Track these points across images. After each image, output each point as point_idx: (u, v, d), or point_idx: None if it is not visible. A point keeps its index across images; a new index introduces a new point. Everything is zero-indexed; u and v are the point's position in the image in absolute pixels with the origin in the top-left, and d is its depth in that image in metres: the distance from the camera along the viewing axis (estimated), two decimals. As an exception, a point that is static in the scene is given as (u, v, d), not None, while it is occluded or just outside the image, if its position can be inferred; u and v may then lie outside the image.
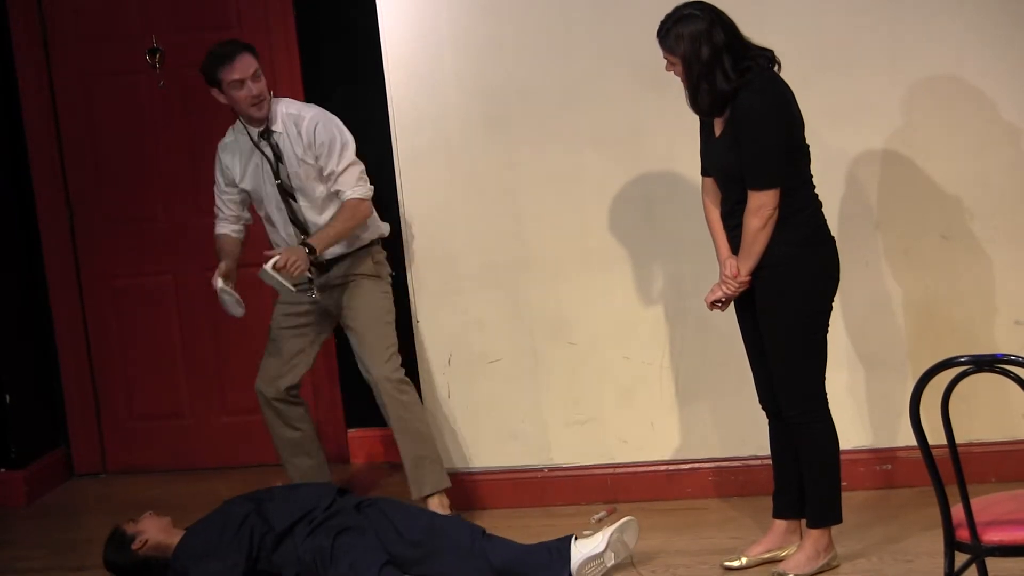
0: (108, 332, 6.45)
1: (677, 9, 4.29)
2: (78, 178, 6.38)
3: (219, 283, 5.03)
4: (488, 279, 5.35)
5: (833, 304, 4.40)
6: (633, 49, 5.07)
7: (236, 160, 5.13)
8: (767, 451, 4.59)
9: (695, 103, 4.30)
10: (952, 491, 3.31)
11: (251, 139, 5.08)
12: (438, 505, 5.10)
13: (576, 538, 4.60)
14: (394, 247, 5.39)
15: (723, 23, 4.23)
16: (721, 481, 5.29)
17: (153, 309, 6.41)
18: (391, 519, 4.73)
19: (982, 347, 4.93)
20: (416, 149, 5.32)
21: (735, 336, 4.56)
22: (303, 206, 5.08)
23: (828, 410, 4.40)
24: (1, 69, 6.24)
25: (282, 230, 5.12)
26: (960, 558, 3.37)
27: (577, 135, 5.23)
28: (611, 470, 5.36)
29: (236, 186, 5.15)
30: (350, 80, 5.95)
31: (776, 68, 4.29)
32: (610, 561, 4.58)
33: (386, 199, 5.31)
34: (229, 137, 5.18)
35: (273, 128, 5.05)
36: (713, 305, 4.43)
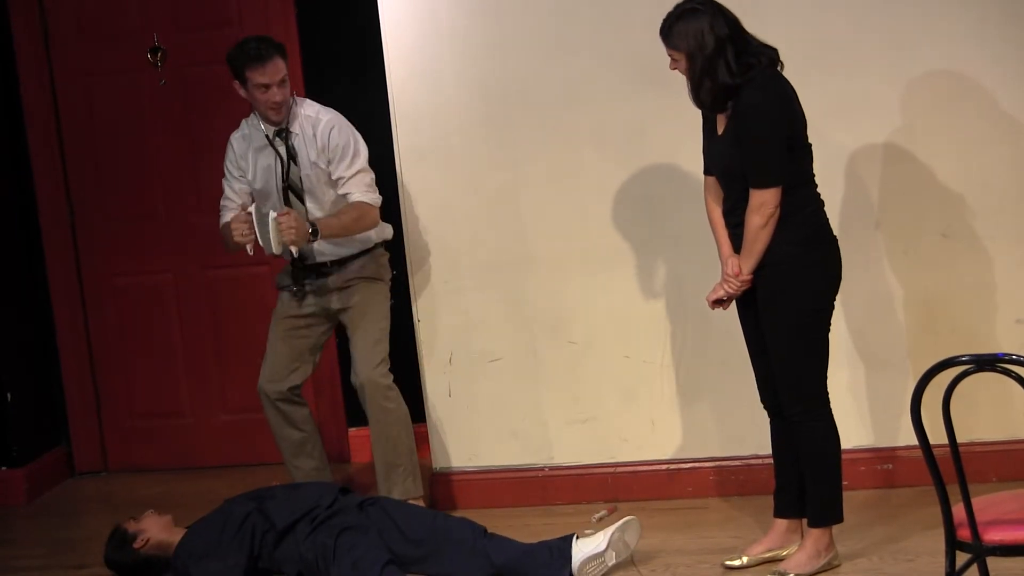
0: (109, 331, 6.45)
1: (679, 5, 4.28)
2: (79, 177, 6.38)
3: (251, 209, 4.93)
4: (489, 278, 5.35)
5: (835, 303, 4.40)
6: (634, 47, 5.07)
7: (248, 153, 5.12)
8: (768, 450, 4.59)
9: (697, 98, 4.29)
10: (953, 490, 3.31)
11: (266, 137, 5.07)
12: None
13: (577, 537, 4.60)
14: (395, 246, 5.39)
15: (726, 17, 4.23)
16: (722, 480, 5.29)
17: (154, 308, 6.41)
18: (393, 518, 4.73)
19: (983, 346, 4.92)
20: (417, 147, 5.32)
21: (736, 335, 4.56)
22: (311, 208, 5.07)
23: (829, 409, 4.40)
24: (2, 68, 6.24)
25: None
26: (961, 557, 3.37)
27: (578, 134, 5.23)
28: (612, 469, 5.36)
29: (246, 178, 5.14)
30: (351, 78, 5.96)
31: (779, 67, 4.29)
32: (611, 560, 4.58)
33: (387, 197, 5.31)
34: (243, 129, 5.16)
35: (291, 129, 5.04)
36: (715, 304, 4.43)
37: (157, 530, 4.87)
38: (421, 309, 5.37)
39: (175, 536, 4.85)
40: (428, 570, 4.66)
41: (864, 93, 5.03)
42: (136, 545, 4.85)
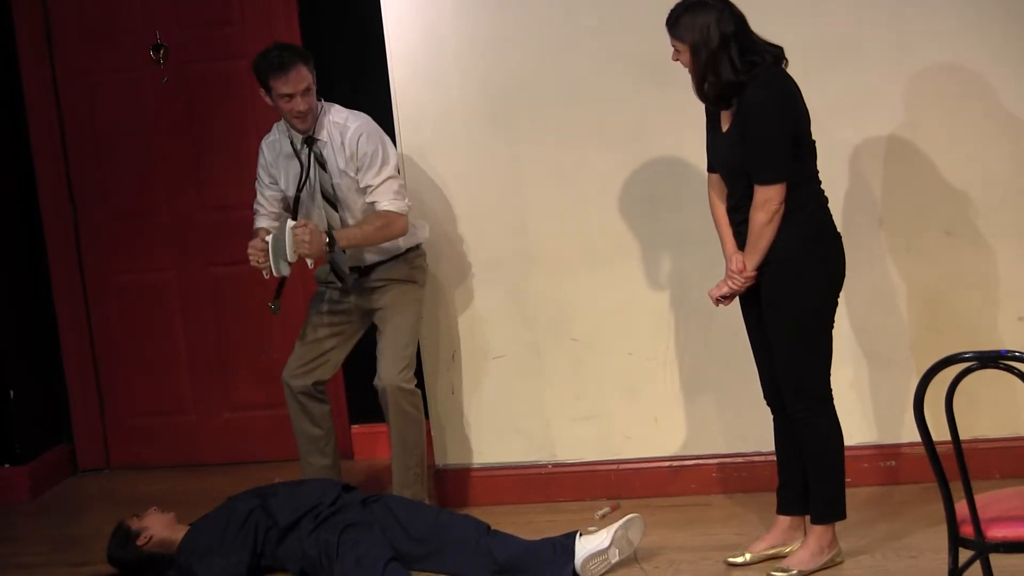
0: (111, 328, 6.45)
1: None
2: (81, 174, 6.38)
3: (269, 239, 4.90)
4: (492, 275, 5.35)
5: (838, 300, 4.40)
6: (637, 44, 5.07)
7: (279, 160, 5.08)
8: (771, 447, 4.59)
9: (701, 92, 4.29)
10: (956, 487, 3.31)
11: (292, 145, 5.04)
12: None
13: (580, 534, 4.60)
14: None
15: (733, 14, 4.23)
16: (725, 477, 5.29)
17: (156, 305, 6.41)
18: (396, 515, 4.73)
19: (986, 343, 4.92)
20: (420, 145, 5.32)
21: (739, 331, 4.56)
22: (345, 217, 5.04)
23: (833, 406, 4.40)
24: (5, 66, 6.24)
25: None
26: (964, 554, 3.37)
27: (581, 131, 5.23)
28: (615, 466, 5.36)
29: (277, 184, 5.13)
30: (354, 76, 5.95)
31: (784, 65, 4.29)
32: (614, 558, 4.58)
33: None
34: (273, 135, 5.12)
35: (318, 137, 5.00)
36: (719, 300, 4.43)
37: (160, 527, 4.88)
38: (425, 306, 5.36)
39: (178, 533, 4.86)
40: (431, 567, 4.67)
41: (868, 90, 5.03)
42: (139, 542, 4.85)
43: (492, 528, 4.71)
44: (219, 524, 4.80)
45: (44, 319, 6.40)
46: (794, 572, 4.42)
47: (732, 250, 4.38)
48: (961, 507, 3.34)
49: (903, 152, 5.06)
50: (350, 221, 5.04)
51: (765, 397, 4.53)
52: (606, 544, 4.56)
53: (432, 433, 5.44)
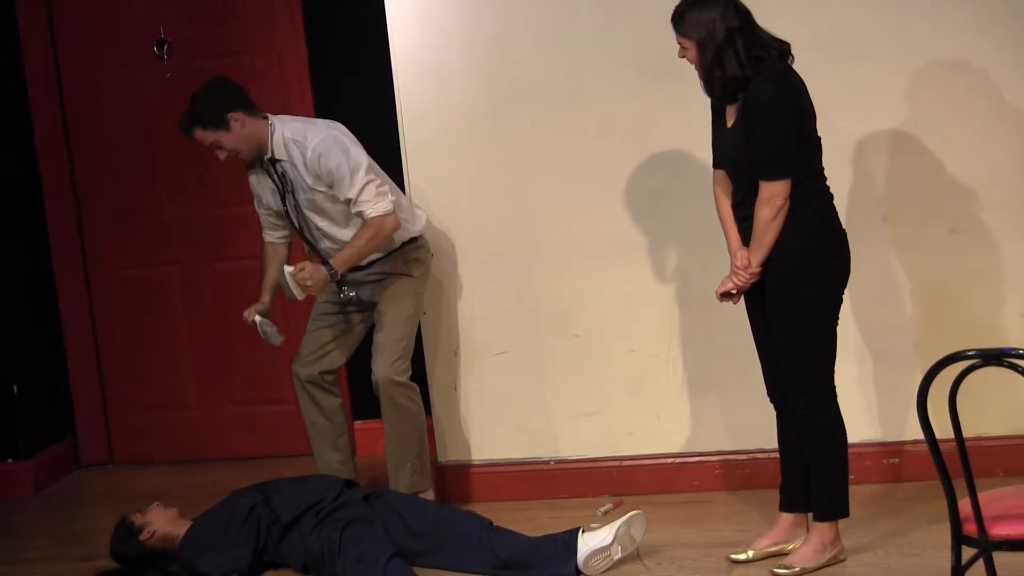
0: (115, 323, 6.46)
1: None
2: (85, 170, 6.39)
3: (257, 319, 5.08)
4: (495, 271, 5.35)
5: (843, 297, 4.39)
6: (640, 41, 5.06)
7: (259, 180, 5.11)
8: (774, 444, 4.59)
9: (708, 87, 4.29)
10: (959, 485, 3.30)
11: (263, 165, 5.06)
12: None
13: (583, 531, 4.60)
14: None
15: (737, 8, 4.22)
16: (728, 474, 5.29)
17: (160, 301, 6.42)
18: (398, 511, 4.74)
19: (990, 340, 4.92)
20: (423, 141, 5.32)
21: (742, 328, 4.55)
22: (325, 225, 5.04)
23: (836, 403, 4.40)
24: (9, 62, 6.25)
25: (314, 243, 5.10)
26: (967, 552, 3.37)
27: (584, 127, 5.23)
28: (617, 463, 5.36)
29: (262, 202, 5.16)
30: (358, 72, 5.95)
31: (790, 61, 4.28)
32: (617, 554, 4.58)
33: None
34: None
35: (279, 157, 4.98)
36: (724, 297, 4.42)
37: (163, 522, 4.88)
38: (427, 302, 5.37)
39: (181, 528, 4.86)
40: (434, 563, 4.67)
41: (873, 86, 5.02)
42: (142, 537, 4.86)
43: (494, 524, 4.71)
44: (222, 519, 4.80)
45: (47, 314, 6.40)
46: (797, 569, 4.41)
47: (737, 246, 4.38)
48: (964, 505, 3.33)
49: (908, 148, 5.05)
50: (330, 227, 5.04)
51: (768, 394, 4.52)
52: (609, 541, 4.56)
53: (434, 429, 5.44)
